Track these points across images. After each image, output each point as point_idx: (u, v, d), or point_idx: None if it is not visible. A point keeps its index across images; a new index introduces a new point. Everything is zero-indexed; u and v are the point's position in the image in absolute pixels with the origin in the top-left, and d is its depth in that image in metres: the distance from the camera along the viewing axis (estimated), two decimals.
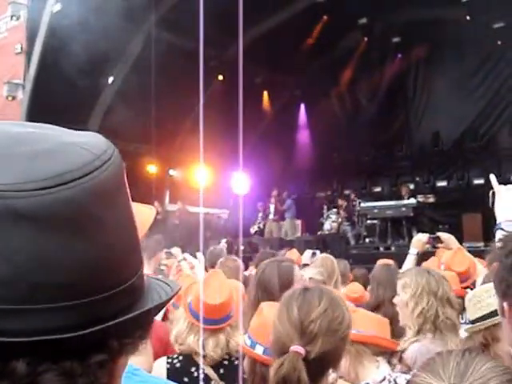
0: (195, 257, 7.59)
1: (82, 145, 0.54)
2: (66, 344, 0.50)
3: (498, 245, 1.31)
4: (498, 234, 1.69)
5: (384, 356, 2.23)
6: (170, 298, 0.61)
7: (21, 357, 0.49)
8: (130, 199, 0.58)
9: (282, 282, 2.64)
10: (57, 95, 9.84)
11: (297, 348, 1.46)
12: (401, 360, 2.31)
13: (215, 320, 2.37)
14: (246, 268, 6.44)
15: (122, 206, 0.56)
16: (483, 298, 2.13)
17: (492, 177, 1.94)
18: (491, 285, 1.91)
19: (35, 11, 10.26)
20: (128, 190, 0.58)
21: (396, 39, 14.77)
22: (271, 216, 13.76)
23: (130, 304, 0.56)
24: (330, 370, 1.55)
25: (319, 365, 1.49)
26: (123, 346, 0.55)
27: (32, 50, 10.44)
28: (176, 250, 4.96)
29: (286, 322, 1.52)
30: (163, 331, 2.74)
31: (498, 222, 1.77)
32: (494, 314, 1.97)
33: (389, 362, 2.48)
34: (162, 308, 0.61)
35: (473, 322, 2.22)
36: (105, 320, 0.52)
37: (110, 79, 12.31)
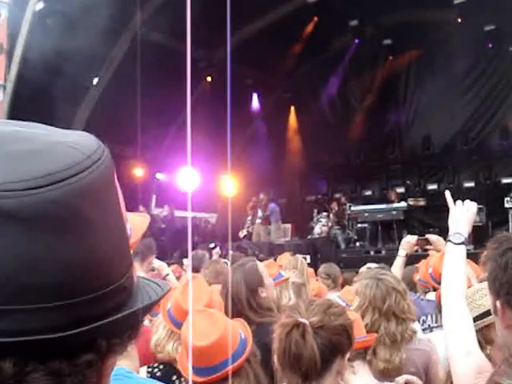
0: (182, 263, 7.36)
1: (72, 144, 0.53)
2: (53, 344, 0.49)
3: (493, 245, 1.36)
4: (448, 246, 1.89)
5: (359, 357, 2.18)
6: (160, 298, 0.61)
7: (7, 357, 0.48)
8: (121, 199, 0.58)
9: (251, 288, 2.73)
10: (39, 97, 9.59)
11: (302, 319, 1.62)
12: (375, 354, 2.31)
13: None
14: None
15: (112, 206, 0.56)
16: (475, 299, 2.13)
17: (447, 193, 2.10)
18: (482, 285, 2.12)
19: (17, 9, 10.00)
20: (119, 190, 0.57)
21: (387, 41, 14.69)
22: (258, 220, 13.59)
23: (120, 304, 0.55)
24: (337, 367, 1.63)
25: (324, 344, 1.60)
26: (112, 345, 0.55)
27: (13, 50, 10.18)
28: (158, 264, 4.25)
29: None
30: (151, 336, 2.61)
31: (448, 234, 1.93)
32: (485, 314, 2.03)
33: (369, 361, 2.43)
34: (152, 308, 0.61)
35: None
36: (93, 320, 0.51)
37: (95, 80, 12.08)
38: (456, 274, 1.82)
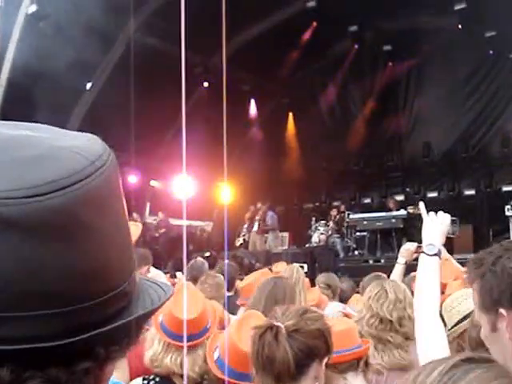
0: (175, 275, 7.12)
1: (76, 149, 0.53)
2: (52, 351, 0.50)
3: (473, 265, 1.36)
4: (421, 257, 1.90)
5: (352, 369, 2.16)
6: (162, 304, 0.60)
7: (5, 364, 0.48)
8: (125, 203, 0.57)
9: (289, 298, 2.90)
10: (31, 101, 9.41)
11: (276, 323, 1.63)
12: (367, 364, 2.26)
13: (193, 335, 2.18)
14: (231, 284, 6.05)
15: (115, 212, 0.55)
16: (454, 306, 2.21)
17: (421, 205, 2.13)
18: (461, 292, 2.28)
19: (9, 12, 9.85)
20: (122, 195, 0.57)
21: (387, 47, 14.60)
22: (255, 228, 13.38)
23: (120, 310, 0.55)
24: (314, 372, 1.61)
25: (299, 347, 1.59)
26: (110, 353, 0.55)
27: (5, 54, 10.00)
28: (155, 273, 4.57)
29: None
30: (143, 349, 2.50)
31: (422, 246, 1.95)
32: (464, 319, 2.16)
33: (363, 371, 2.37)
34: (153, 314, 0.60)
35: (449, 330, 2.31)
36: (92, 328, 0.51)
37: (89, 85, 11.92)
38: (429, 286, 1.84)
